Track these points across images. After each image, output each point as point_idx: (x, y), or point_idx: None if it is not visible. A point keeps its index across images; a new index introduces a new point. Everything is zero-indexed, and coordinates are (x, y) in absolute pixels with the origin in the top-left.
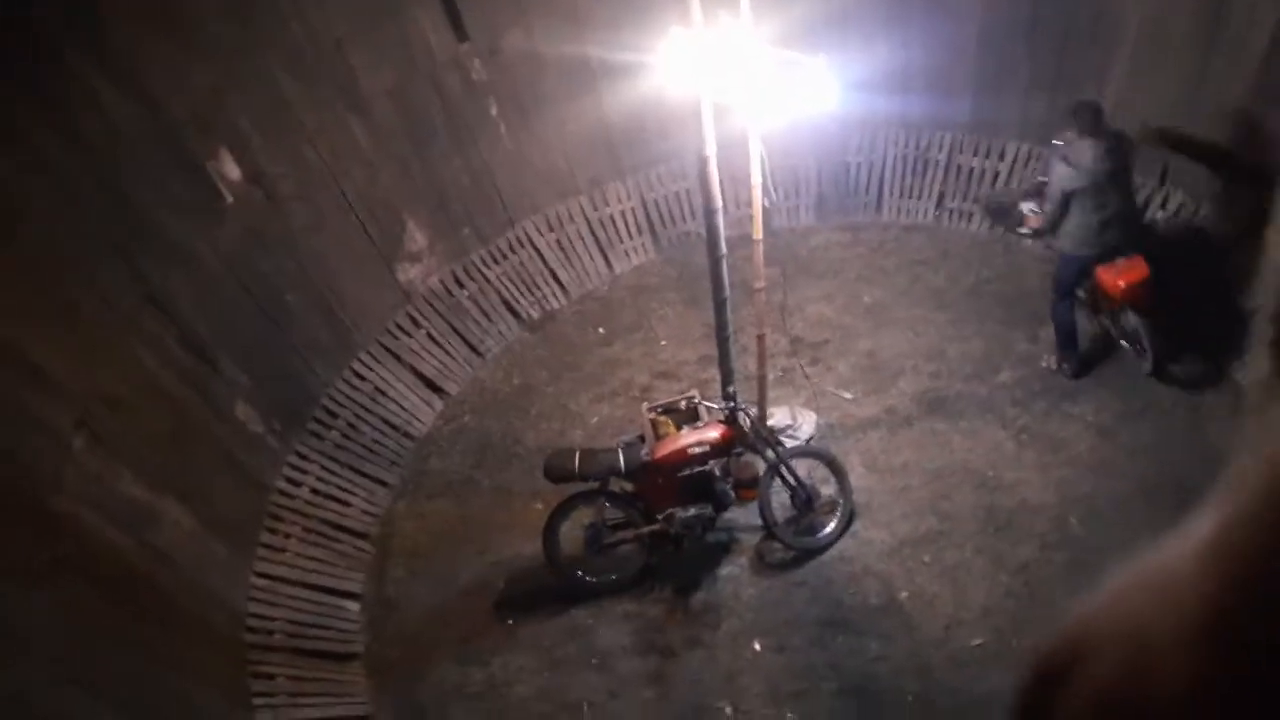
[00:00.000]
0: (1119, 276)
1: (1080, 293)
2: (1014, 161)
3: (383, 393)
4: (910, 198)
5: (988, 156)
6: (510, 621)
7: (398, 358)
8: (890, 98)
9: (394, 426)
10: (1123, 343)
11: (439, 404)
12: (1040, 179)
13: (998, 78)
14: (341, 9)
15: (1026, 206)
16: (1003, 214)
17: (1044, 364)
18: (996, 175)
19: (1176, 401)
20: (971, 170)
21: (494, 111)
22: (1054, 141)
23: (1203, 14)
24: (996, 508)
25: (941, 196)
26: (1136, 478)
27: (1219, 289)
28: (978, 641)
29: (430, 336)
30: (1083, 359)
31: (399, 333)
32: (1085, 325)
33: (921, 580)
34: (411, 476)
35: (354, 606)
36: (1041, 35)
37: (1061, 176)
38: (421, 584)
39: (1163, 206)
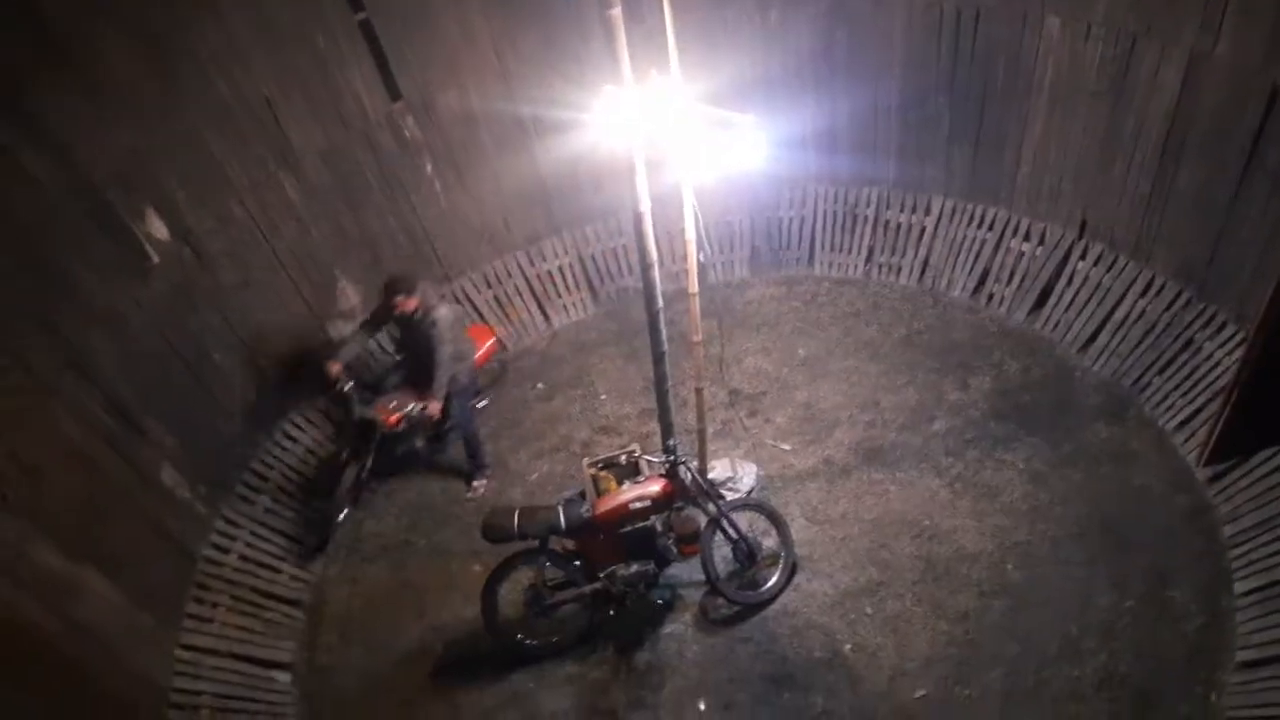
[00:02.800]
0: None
1: None
2: (939, 216)
3: (314, 454)
4: (841, 252)
5: (914, 212)
6: (449, 688)
7: (329, 418)
8: (819, 155)
9: (325, 489)
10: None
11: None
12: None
13: (920, 135)
14: (270, 68)
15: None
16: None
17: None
18: (923, 230)
19: (1104, 449)
20: (899, 225)
21: (428, 169)
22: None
23: (1109, 71)
24: (934, 556)
25: (871, 251)
26: (1069, 522)
27: None
28: (921, 693)
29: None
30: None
31: (328, 394)
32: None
33: (864, 632)
34: (345, 540)
35: (284, 677)
36: (961, 92)
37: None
38: (356, 651)
39: (1082, 257)
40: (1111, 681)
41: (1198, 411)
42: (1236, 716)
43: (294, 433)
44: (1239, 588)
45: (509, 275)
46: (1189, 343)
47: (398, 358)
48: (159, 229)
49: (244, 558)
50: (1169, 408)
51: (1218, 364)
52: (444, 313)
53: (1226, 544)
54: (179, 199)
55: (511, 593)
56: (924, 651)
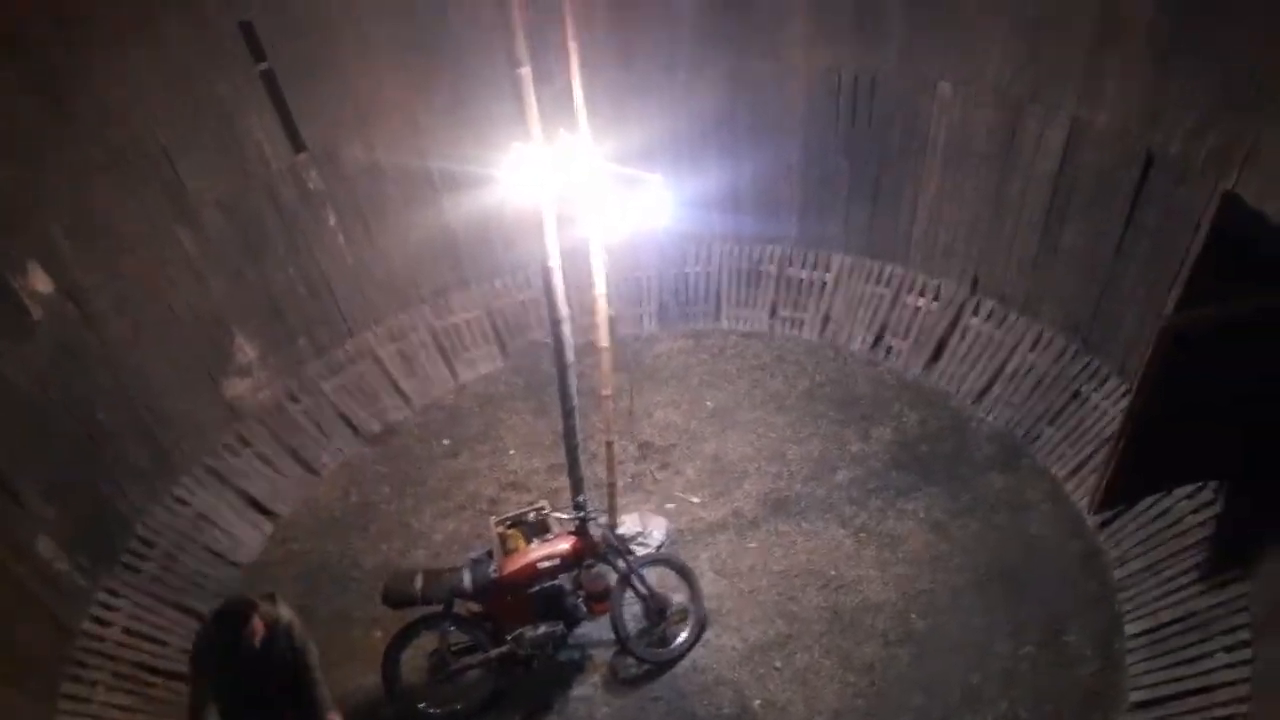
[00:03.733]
0: None
1: None
2: (839, 272)
3: (206, 518)
4: (746, 307)
5: (815, 268)
6: None
7: (223, 479)
8: (723, 213)
9: (218, 554)
10: None
11: (269, 527)
12: None
13: (821, 193)
14: (167, 114)
15: None
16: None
17: None
18: (824, 285)
19: (999, 498)
20: (801, 281)
21: (332, 221)
22: None
23: (998, 135)
24: (841, 607)
25: (775, 306)
26: (968, 570)
27: None
28: None
29: (259, 455)
30: None
31: (225, 453)
32: None
33: (773, 686)
34: None
35: None
36: (858, 153)
37: None
38: None
39: (975, 313)
40: None
41: (1086, 460)
42: None
43: (185, 495)
44: (1129, 630)
45: (414, 329)
46: (1076, 394)
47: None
48: (41, 282)
49: (127, 630)
50: (1059, 457)
51: (1104, 414)
52: (285, 613)
53: (1116, 588)
54: (64, 251)
55: (414, 659)
56: (832, 704)
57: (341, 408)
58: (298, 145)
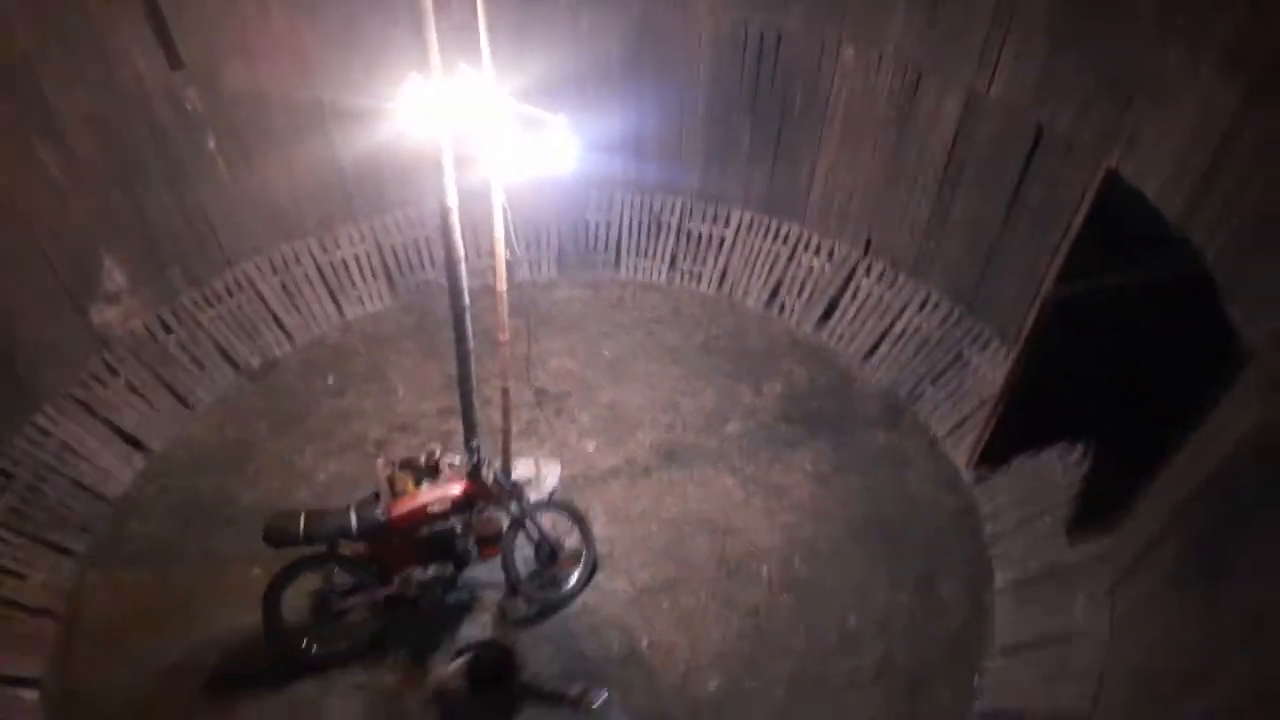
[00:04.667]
0: None
1: None
2: (738, 228)
3: (71, 449)
4: (646, 257)
5: (715, 222)
6: (225, 702)
7: (90, 410)
8: (626, 160)
9: (84, 487)
10: None
11: (140, 461)
12: None
13: (723, 148)
14: (28, 20)
15: None
16: None
17: None
18: (723, 240)
19: (881, 454)
20: (700, 235)
21: (211, 145)
22: None
23: (897, 101)
24: (728, 553)
25: (674, 258)
26: (849, 522)
27: None
28: (713, 685)
29: (130, 386)
30: None
31: (92, 382)
32: None
33: (661, 627)
34: (105, 544)
35: (30, 695)
36: (761, 110)
37: None
38: (117, 666)
39: (867, 274)
40: (887, 672)
41: (965, 420)
42: (996, 696)
43: (47, 425)
44: (999, 580)
45: (297, 261)
46: (959, 356)
47: None
48: None
49: None
50: (940, 416)
51: (984, 376)
52: None
53: (988, 541)
54: None
55: (295, 599)
56: (716, 645)
57: (219, 341)
58: (174, 62)
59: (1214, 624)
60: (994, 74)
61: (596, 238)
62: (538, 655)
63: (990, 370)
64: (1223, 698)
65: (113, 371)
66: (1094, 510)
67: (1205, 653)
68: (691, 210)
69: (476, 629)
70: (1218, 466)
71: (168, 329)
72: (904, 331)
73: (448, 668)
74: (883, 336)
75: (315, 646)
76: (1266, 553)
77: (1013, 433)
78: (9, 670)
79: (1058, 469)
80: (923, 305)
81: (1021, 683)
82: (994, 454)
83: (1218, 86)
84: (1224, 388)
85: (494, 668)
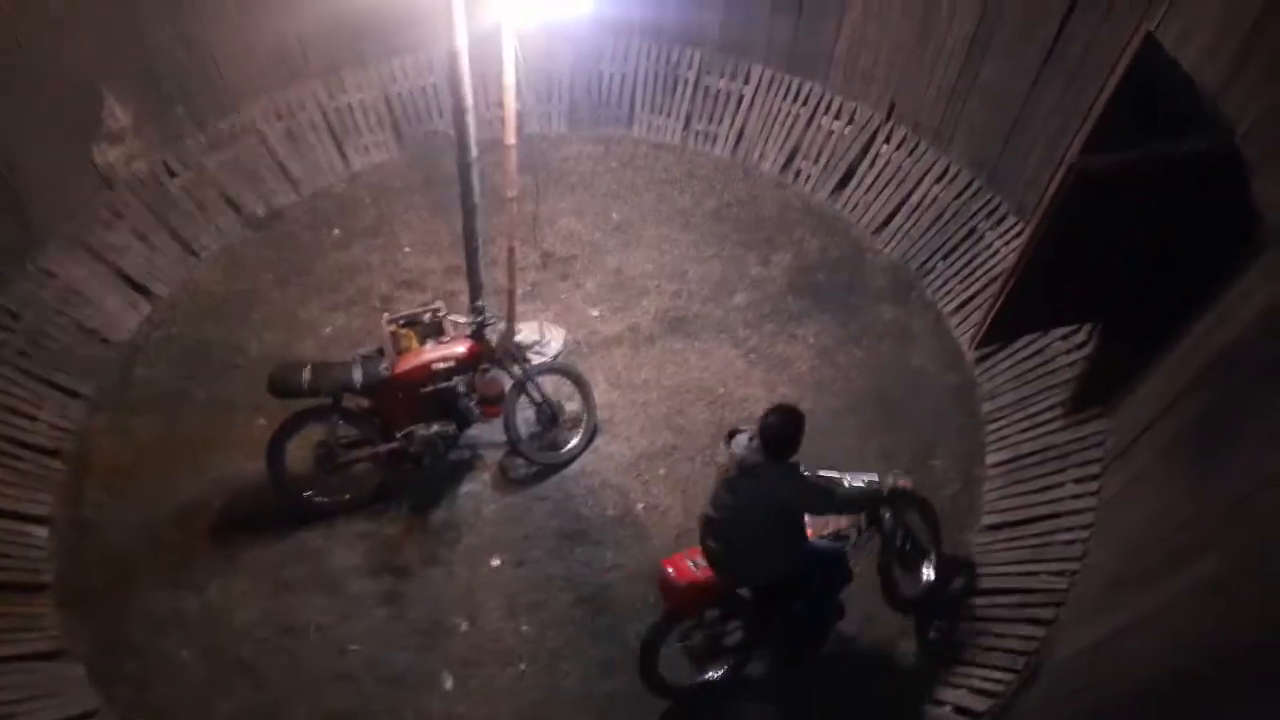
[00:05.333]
0: (669, 562)
1: None
2: (758, 86)
3: (77, 292)
4: (660, 114)
5: (734, 79)
6: (230, 543)
7: (95, 253)
8: (645, 5)
9: (90, 331)
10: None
11: (146, 307)
12: None
13: None
14: None
15: None
16: None
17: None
18: (741, 99)
19: (886, 329)
20: (718, 92)
21: None
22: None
23: None
24: (726, 422)
25: (689, 117)
26: (849, 395)
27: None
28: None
29: (135, 231)
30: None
31: (96, 225)
32: None
33: (656, 492)
34: (113, 388)
35: (41, 532)
36: None
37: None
38: (126, 507)
39: (887, 141)
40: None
41: (973, 297)
42: (979, 573)
43: (52, 267)
44: (990, 459)
45: (302, 107)
46: (972, 231)
47: None
48: None
49: None
50: (948, 292)
51: (995, 252)
52: None
53: (985, 419)
54: None
55: (300, 449)
56: None
57: (224, 187)
58: None
59: (1202, 502)
60: None
61: (610, 91)
62: (534, 513)
63: (1003, 246)
64: (1208, 572)
65: (117, 215)
66: (1091, 393)
67: (1192, 528)
68: (710, 65)
69: (477, 485)
70: (1222, 349)
71: (172, 173)
72: (920, 203)
73: (737, 446)
74: (899, 207)
75: (320, 496)
76: (1263, 430)
77: (1021, 311)
78: (20, 508)
79: (1060, 351)
80: (941, 175)
81: (1001, 560)
82: (1000, 332)
83: None
84: (1239, 270)
85: (786, 426)
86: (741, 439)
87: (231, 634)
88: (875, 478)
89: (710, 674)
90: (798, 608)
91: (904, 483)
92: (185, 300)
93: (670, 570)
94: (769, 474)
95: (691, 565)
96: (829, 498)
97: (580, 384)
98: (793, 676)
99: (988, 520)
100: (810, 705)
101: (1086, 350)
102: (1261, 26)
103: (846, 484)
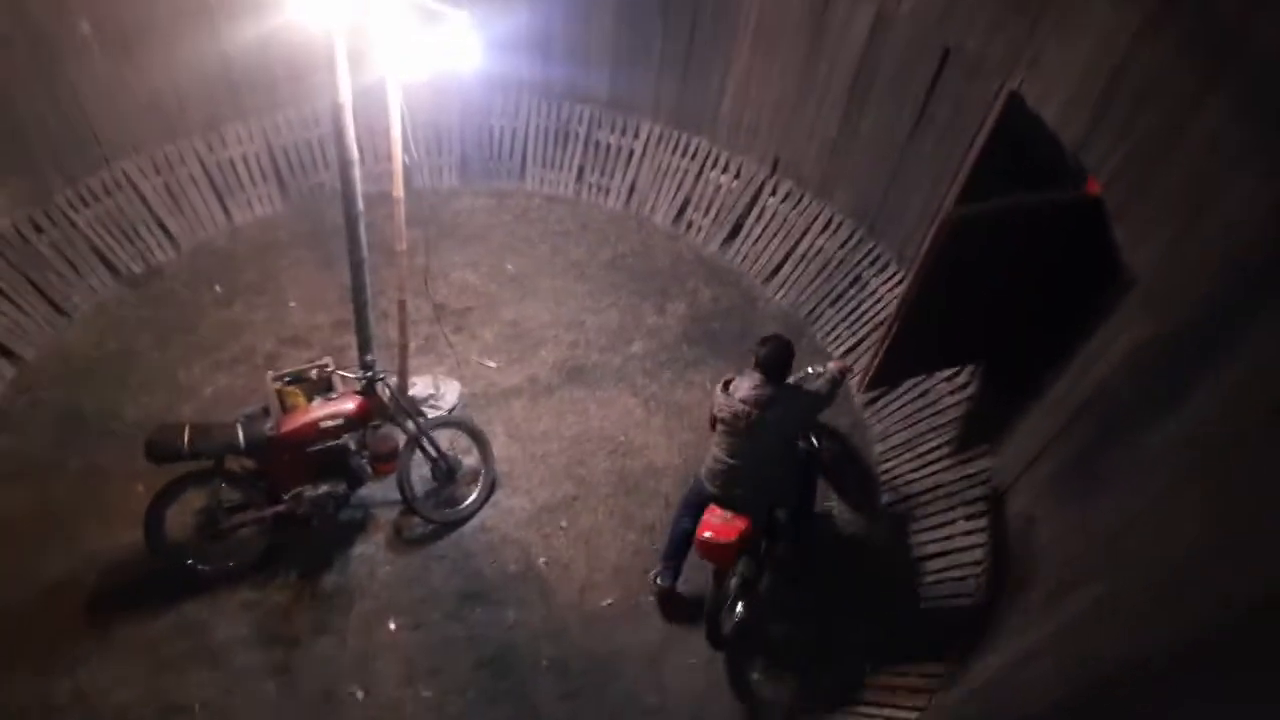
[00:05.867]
0: (705, 528)
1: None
2: (647, 141)
3: None
4: (552, 168)
5: (624, 134)
6: (106, 620)
7: None
8: (533, 63)
9: None
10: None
11: (10, 371)
12: None
13: (633, 55)
14: None
15: None
16: None
17: (650, 575)
18: (632, 153)
19: None
20: (609, 146)
21: (85, 30)
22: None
23: (808, 16)
24: (627, 471)
25: (581, 170)
26: None
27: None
28: (608, 601)
29: None
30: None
31: None
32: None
33: (558, 545)
34: None
35: None
36: (674, 17)
37: (718, 400)
38: None
39: (773, 193)
40: None
41: (860, 341)
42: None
43: None
44: (884, 499)
45: (181, 161)
46: (857, 278)
47: None
48: None
49: None
50: (836, 337)
51: (880, 299)
52: None
53: (876, 460)
54: None
55: (180, 515)
56: (613, 561)
57: (97, 244)
58: None
59: (1085, 536)
60: None
61: (501, 145)
62: (432, 574)
63: (886, 293)
64: (1093, 601)
65: None
66: (975, 432)
67: (1077, 563)
68: (600, 120)
69: (370, 547)
70: (1094, 388)
71: (39, 229)
72: (807, 253)
73: (740, 390)
74: (786, 257)
75: (202, 565)
76: (1134, 462)
77: (905, 355)
78: None
79: (945, 392)
80: (826, 226)
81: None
82: (886, 376)
83: (1116, 15)
84: (1106, 313)
85: (782, 351)
86: (741, 382)
87: (108, 719)
88: (823, 368)
89: (742, 614)
90: (788, 513)
91: (840, 364)
92: (55, 363)
93: (710, 534)
94: (783, 396)
95: (721, 521)
96: (828, 395)
97: (477, 437)
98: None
99: (883, 560)
100: None
101: (969, 390)
102: (1112, 90)
103: (819, 383)
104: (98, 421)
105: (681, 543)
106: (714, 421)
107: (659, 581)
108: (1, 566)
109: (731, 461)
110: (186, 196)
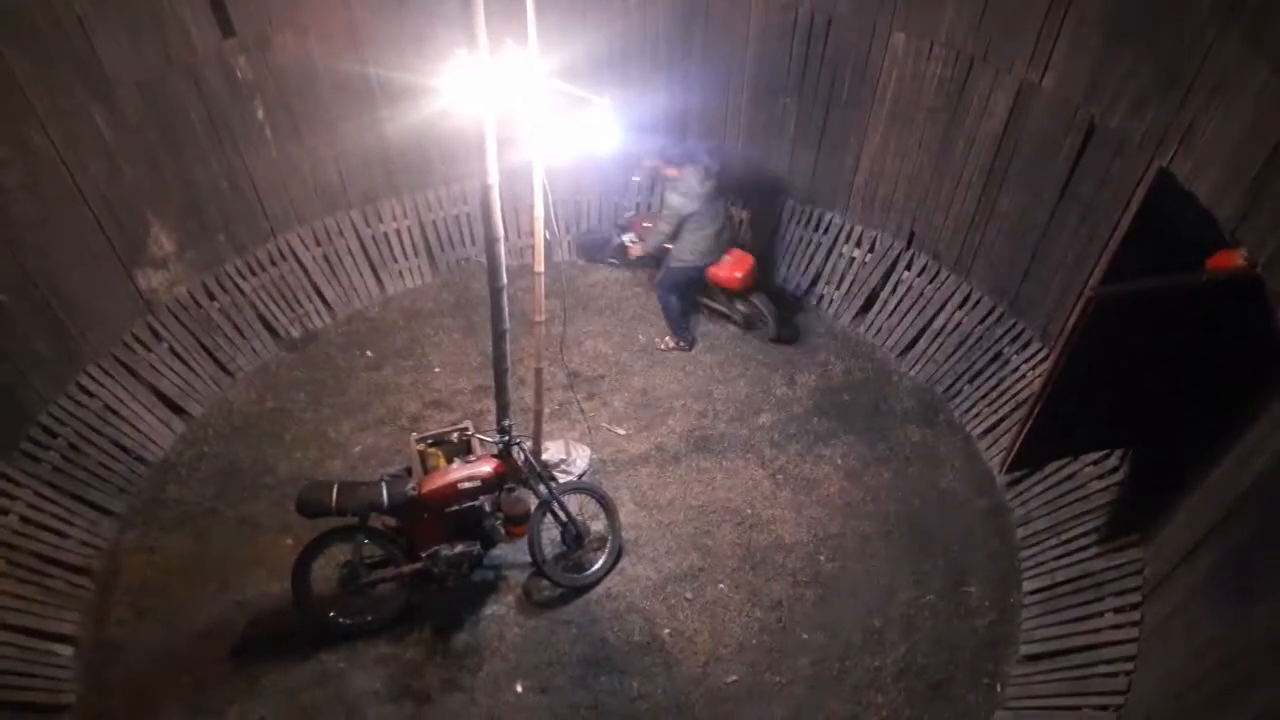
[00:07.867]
0: (733, 270)
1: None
2: (780, 215)
3: (114, 411)
4: None
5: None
6: (251, 666)
7: (134, 373)
8: (669, 141)
9: (125, 449)
10: (733, 323)
11: (180, 426)
12: (628, 214)
13: (767, 134)
14: None
15: (626, 238)
16: (596, 249)
17: (660, 346)
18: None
19: (914, 450)
20: (742, 222)
21: (260, 114)
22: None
23: (946, 91)
24: (754, 544)
25: None
26: (878, 518)
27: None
28: (733, 678)
29: (173, 351)
30: (693, 338)
31: (136, 345)
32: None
33: (683, 617)
34: (144, 506)
35: (66, 650)
36: (808, 96)
37: (675, 205)
38: (150, 625)
39: (908, 267)
40: (909, 672)
41: (1001, 420)
42: (1016, 705)
43: (91, 386)
44: (1026, 586)
45: (340, 234)
46: (997, 355)
47: None
48: None
49: (25, 519)
50: (976, 415)
51: (1022, 377)
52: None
53: (1019, 545)
54: None
55: (325, 569)
56: (738, 637)
57: (260, 310)
58: (226, 30)
59: (1246, 639)
60: (1047, 65)
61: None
62: (559, 638)
63: (1029, 371)
64: (1254, 714)
65: (156, 336)
66: (1125, 520)
67: (1237, 668)
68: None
69: (501, 608)
70: (1255, 480)
71: (211, 296)
72: (943, 328)
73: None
74: (922, 332)
75: (342, 617)
76: None
77: (1049, 436)
78: (46, 625)
79: (1091, 475)
80: (964, 301)
81: (1042, 693)
82: (1029, 457)
83: (1276, 85)
84: (1268, 399)
85: None
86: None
87: None
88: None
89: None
90: None
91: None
92: (219, 420)
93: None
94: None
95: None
96: None
97: (605, 503)
98: None
99: (1026, 650)
100: None
101: (1119, 476)
102: (1273, 164)
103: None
104: (253, 475)
105: (682, 317)
106: (680, 220)
107: (682, 345)
108: (162, 608)
109: (715, 227)
110: (343, 267)
